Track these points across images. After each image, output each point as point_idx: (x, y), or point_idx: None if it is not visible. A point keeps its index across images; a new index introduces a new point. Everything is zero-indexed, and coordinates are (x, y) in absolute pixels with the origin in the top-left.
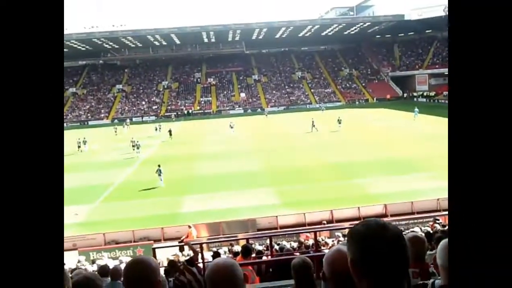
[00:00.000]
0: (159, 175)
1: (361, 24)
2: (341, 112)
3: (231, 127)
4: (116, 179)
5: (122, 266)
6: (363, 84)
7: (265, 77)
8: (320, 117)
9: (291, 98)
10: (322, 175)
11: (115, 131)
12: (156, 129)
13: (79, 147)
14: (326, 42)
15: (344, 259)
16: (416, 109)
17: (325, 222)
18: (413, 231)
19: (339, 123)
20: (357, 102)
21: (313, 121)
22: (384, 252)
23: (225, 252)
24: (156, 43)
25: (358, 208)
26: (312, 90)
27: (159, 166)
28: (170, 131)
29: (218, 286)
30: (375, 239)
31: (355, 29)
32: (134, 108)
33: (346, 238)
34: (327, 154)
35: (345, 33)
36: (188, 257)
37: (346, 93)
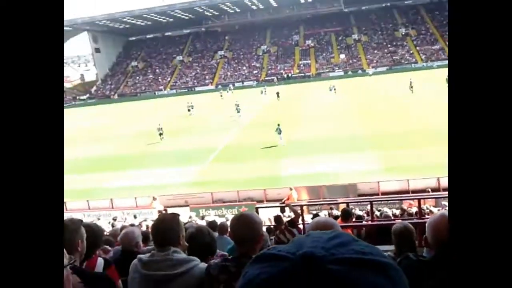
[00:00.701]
0: (279, 133)
1: None
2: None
3: (330, 90)
4: (222, 142)
5: (228, 223)
6: None
7: (365, 36)
8: (422, 77)
9: (394, 57)
10: (429, 140)
11: (221, 96)
12: (261, 92)
13: (189, 110)
14: None
15: (448, 223)
16: None
17: (430, 190)
18: None
19: (411, 86)
20: None
21: (411, 82)
22: None
23: (324, 215)
24: (254, 7)
25: None
26: (417, 48)
27: (278, 125)
28: (277, 93)
29: None
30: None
31: None
32: (236, 74)
33: None
34: (433, 117)
35: None
36: (289, 219)
37: None
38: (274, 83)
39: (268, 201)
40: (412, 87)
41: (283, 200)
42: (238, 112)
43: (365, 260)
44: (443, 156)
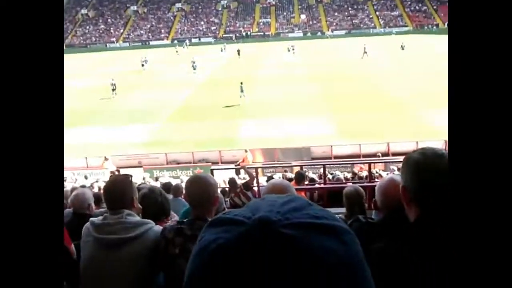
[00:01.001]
0: (241, 91)
1: None
2: (405, 38)
3: (289, 51)
4: (177, 100)
5: (182, 185)
6: (434, 7)
7: None
8: (379, 42)
9: (354, 21)
10: (381, 105)
11: (176, 51)
12: (221, 50)
13: (142, 65)
14: None
15: (397, 188)
16: None
17: (380, 154)
18: None
19: (365, 51)
20: (425, 28)
21: (365, 47)
22: (436, 180)
23: (279, 178)
24: None
25: (417, 142)
26: (377, 13)
27: (241, 84)
28: (238, 51)
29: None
30: (428, 166)
31: None
32: (193, 29)
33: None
34: (388, 84)
35: None
36: (244, 181)
37: (414, 16)
38: (233, 41)
39: (223, 163)
40: (366, 52)
41: (238, 162)
42: (194, 69)
43: (318, 224)
44: (395, 122)
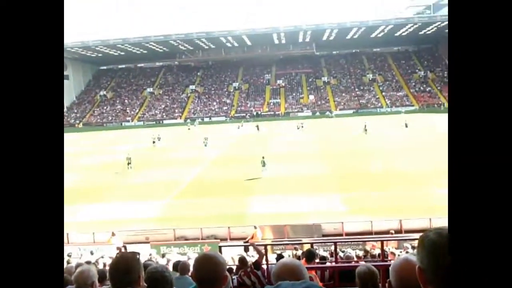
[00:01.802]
0: (263, 165)
1: (439, 23)
2: (410, 116)
3: (298, 128)
4: (188, 176)
5: (190, 262)
6: (439, 88)
7: (334, 79)
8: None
9: (361, 101)
10: (392, 182)
11: (188, 129)
12: (238, 128)
13: (153, 142)
14: (399, 43)
15: (412, 268)
16: None
17: (393, 231)
18: None
19: (365, 129)
20: (432, 107)
21: (365, 125)
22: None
23: (289, 256)
24: (228, 44)
25: (430, 219)
26: (383, 93)
27: (263, 158)
28: (257, 126)
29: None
30: (444, 247)
31: (432, 28)
32: (206, 109)
33: (416, 246)
34: (397, 160)
35: (421, 33)
36: (254, 260)
37: (420, 96)
38: (246, 119)
39: (232, 239)
40: (366, 130)
41: (247, 239)
42: (206, 146)
43: None
44: (406, 199)
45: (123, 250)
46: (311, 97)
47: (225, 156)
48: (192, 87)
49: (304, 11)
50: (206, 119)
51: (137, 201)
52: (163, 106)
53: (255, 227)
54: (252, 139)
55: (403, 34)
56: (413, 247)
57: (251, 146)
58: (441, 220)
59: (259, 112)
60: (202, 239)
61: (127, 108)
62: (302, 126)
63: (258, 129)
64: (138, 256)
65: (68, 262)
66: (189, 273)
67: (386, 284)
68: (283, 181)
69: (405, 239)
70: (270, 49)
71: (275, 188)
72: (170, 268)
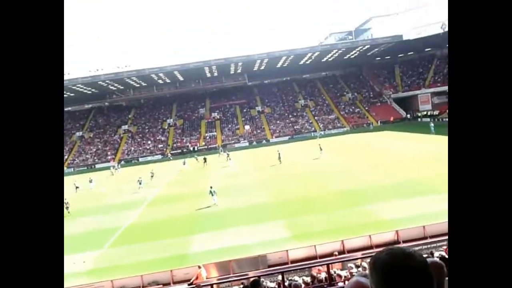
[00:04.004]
0: (212, 195)
1: (361, 47)
2: (346, 138)
3: (228, 160)
4: (123, 221)
5: None
6: (366, 108)
7: (268, 107)
8: (324, 144)
9: (295, 127)
10: (330, 203)
11: (112, 174)
12: (184, 163)
13: (77, 188)
14: (327, 68)
15: None
16: (432, 125)
17: (336, 253)
18: (429, 257)
19: (321, 149)
20: (364, 126)
21: (320, 146)
22: (408, 282)
23: None
24: (160, 81)
25: (370, 236)
26: (316, 118)
27: (211, 187)
28: (205, 159)
29: None
30: (399, 268)
31: (355, 53)
32: (140, 148)
33: (367, 267)
34: (334, 181)
35: (345, 57)
36: None
37: (350, 118)
38: (182, 155)
39: (175, 283)
40: (321, 149)
41: (191, 281)
42: (141, 186)
43: None
44: (345, 218)
45: None
46: (247, 127)
47: (162, 195)
48: (124, 127)
49: (234, 44)
50: (141, 159)
51: (69, 254)
52: (94, 149)
53: (199, 267)
54: (188, 176)
55: (330, 59)
56: (356, 266)
57: (189, 182)
58: (379, 236)
59: (196, 147)
60: (143, 287)
61: None
62: (230, 158)
63: (205, 161)
64: None
65: None
66: None
67: None
68: (224, 214)
69: (349, 260)
70: (203, 82)
71: (216, 222)
72: None
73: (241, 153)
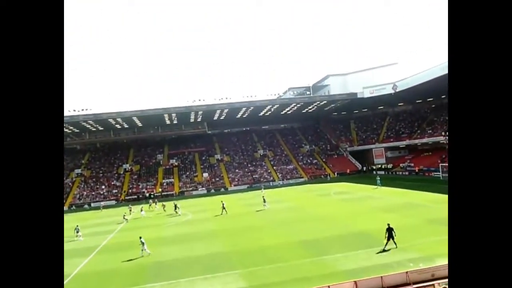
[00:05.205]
0: (142, 244)
1: (318, 102)
2: (304, 188)
3: (176, 211)
4: (71, 270)
5: None
6: (324, 160)
7: (227, 156)
8: (276, 195)
9: (254, 176)
10: (288, 253)
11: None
12: (141, 210)
13: None
14: (285, 120)
15: None
16: (378, 178)
17: None
18: None
19: (264, 201)
20: (321, 177)
21: (263, 198)
22: None
23: None
24: (118, 126)
25: (328, 286)
26: (274, 168)
27: (140, 238)
28: (176, 205)
29: None
30: None
31: (313, 107)
32: (93, 193)
33: None
34: (291, 232)
35: (304, 111)
36: None
37: (308, 168)
38: (138, 202)
39: None
40: (265, 202)
41: None
42: (78, 235)
43: None
44: (303, 269)
45: None
46: (205, 174)
47: (109, 245)
48: (77, 171)
49: (194, 92)
50: (93, 204)
51: None
52: None
53: None
54: (140, 223)
55: (288, 112)
56: None
57: (139, 230)
58: (338, 286)
59: (152, 194)
60: None
61: None
62: (178, 208)
63: (176, 208)
64: None
65: None
66: None
67: None
68: (177, 264)
69: None
70: (162, 129)
71: (170, 273)
72: None
73: (193, 201)
